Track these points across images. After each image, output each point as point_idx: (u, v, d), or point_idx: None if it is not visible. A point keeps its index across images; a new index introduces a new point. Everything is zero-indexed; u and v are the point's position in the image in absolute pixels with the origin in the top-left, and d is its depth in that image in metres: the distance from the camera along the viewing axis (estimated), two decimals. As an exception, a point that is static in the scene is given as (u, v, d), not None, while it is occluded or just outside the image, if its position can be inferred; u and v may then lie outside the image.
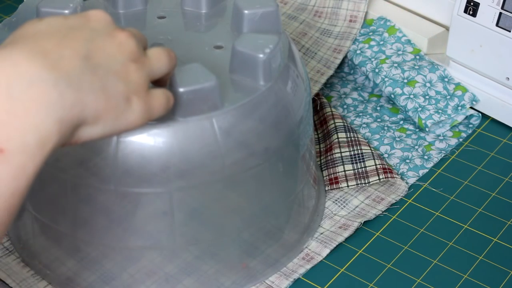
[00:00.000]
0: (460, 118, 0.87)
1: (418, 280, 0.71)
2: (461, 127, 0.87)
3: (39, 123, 0.47)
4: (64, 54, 0.50)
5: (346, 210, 0.77)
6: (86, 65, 0.50)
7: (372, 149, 0.81)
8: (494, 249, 0.74)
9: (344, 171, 0.79)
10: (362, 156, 0.80)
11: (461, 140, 0.86)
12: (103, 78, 0.51)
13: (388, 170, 0.79)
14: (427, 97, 0.87)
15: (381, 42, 0.92)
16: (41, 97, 0.47)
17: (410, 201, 0.79)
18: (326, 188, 0.79)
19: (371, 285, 0.71)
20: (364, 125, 0.87)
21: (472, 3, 0.85)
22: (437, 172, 0.82)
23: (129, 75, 0.53)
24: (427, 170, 0.82)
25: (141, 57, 0.55)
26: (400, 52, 0.91)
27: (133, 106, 0.53)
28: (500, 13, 0.83)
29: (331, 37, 0.94)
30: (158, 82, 0.59)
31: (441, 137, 0.86)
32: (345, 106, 0.90)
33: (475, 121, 0.87)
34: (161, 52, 0.57)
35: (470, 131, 0.87)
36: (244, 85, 0.66)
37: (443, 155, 0.84)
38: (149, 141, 0.62)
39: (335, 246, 0.73)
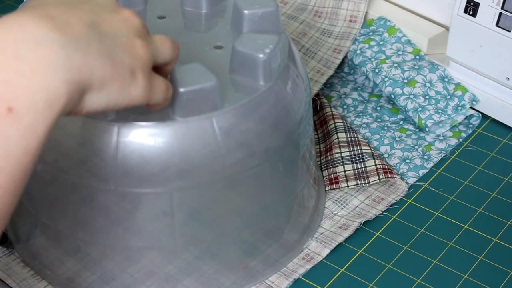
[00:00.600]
0: (460, 118, 0.87)
1: (418, 280, 0.71)
2: (461, 127, 0.87)
3: (47, 82, 0.48)
4: (71, 20, 0.50)
5: (346, 210, 0.77)
6: (93, 32, 0.51)
7: (372, 149, 0.81)
8: (494, 249, 0.74)
9: (344, 171, 0.79)
10: (362, 156, 0.80)
11: (461, 140, 0.86)
12: (109, 47, 0.52)
13: (388, 170, 0.79)
14: (427, 97, 0.87)
15: (381, 42, 0.92)
16: (49, 57, 0.48)
17: (410, 201, 0.79)
18: (326, 188, 0.79)
19: (371, 285, 0.71)
20: (364, 125, 0.87)
21: (472, 3, 0.85)
22: (437, 172, 0.82)
23: (135, 49, 0.54)
24: (427, 170, 0.82)
25: (147, 36, 0.56)
26: (400, 52, 0.91)
27: (138, 81, 0.54)
28: (500, 13, 0.83)
29: (331, 37, 0.94)
30: (159, 73, 0.60)
31: (441, 137, 0.86)
32: (345, 106, 0.90)
33: (475, 121, 0.87)
34: (165, 38, 0.58)
35: (470, 131, 0.87)
36: (244, 85, 0.66)
37: (443, 155, 0.84)
38: (149, 141, 0.62)
39: (335, 246, 0.73)
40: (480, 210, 0.78)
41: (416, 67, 0.89)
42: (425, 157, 0.83)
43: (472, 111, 0.87)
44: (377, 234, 0.75)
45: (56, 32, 0.49)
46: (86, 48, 0.50)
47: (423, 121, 0.85)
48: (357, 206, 0.77)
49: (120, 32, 0.53)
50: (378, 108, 0.89)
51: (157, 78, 0.57)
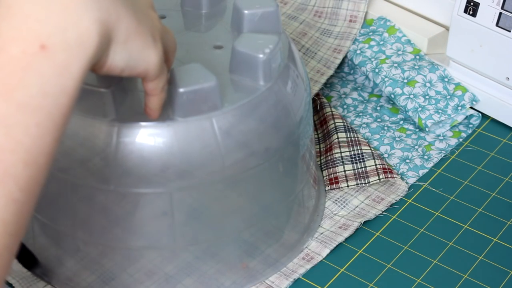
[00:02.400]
0: (460, 118, 0.87)
1: (418, 280, 0.71)
2: (461, 127, 0.87)
3: (77, 20, 0.48)
4: None
5: (346, 210, 0.77)
6: None
7: (372, 149, 0.81)
8: (494, 249, 0.74)
9: (344, 171, 0.79)
10: (362, 156, 0.80)
11: (461, 140, 0.86)
12: (133, 6, 0.53)
13: (388, 170, 0.79)
14: (427, 97, 0.87)
15: (381, 42, 0.92)
16: None
17: (410, 201, 0.79)
18: (326, 188, 0.79)
19: (371, 285, 0.71)
20: (364, 125, 0.87)
21: (472, 3, 0.85)
22: (437, 172, 0.82)
23: (153, 19, 0.55)
24: (427, 170, 0.82)
25: (157, 15, 0.57)
26: (400, 52, 0.91)
27: (158, 46, 0.55)
28: (500, 13, 0.83)
29: (331, 37, 0.94)
30: None
31: (441, 137, 0.86)
32: (345, 106, 0.90)
33: (475, 121, 0.87)
34: (169, 29, 0.60)
35: (470, 131, 0.87)
36: (244, 85, 0.66)
37: (443, 155, 0.84)
38: (149, 141, 0.62)
39: (335, 246, 0.73)
40: (480, 210, 0.78)
41: (416, 67, 0.89)
42: (425, 157, 0.83)
43: (472, 111, 0.87)
44: (377, 234, 0.75)
45: None
46: None
47: (423, 121, 0.85)
48: (357, 206, 0.77)
49: (139, 1, 0.54)
50: (378, 108, 0.89)
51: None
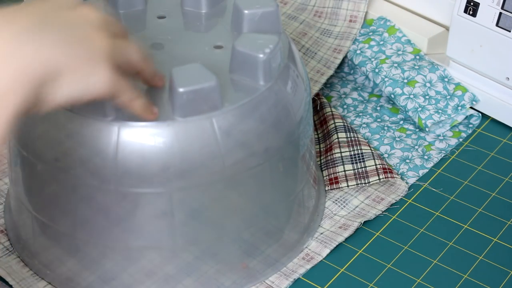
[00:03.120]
0: (460, 118, 0.87)
1: (418, 280, 0.71)
2: (461, 127, 0.87)
3: None
4: (22, 13, 0.50)
5: (346, 210, 0.77)
6: (44, 24, 0.50)
7: (372, 149, 0.81)
8: (494, 249, 0.74)
9: (344, 171, 0.79)
10: (362, 156, 0.80)
11: (461, 140, 0.86)
12: (62, 38, 0.51)
13: (388, 170, 0.79)
14: (427, 97, 0.87)
15: (381, 42, 0.92)
16: None
17: (410, 201, 0.79)
18: (326, 188, 0.79)
19: (371, 285, 0.71)
20: (364, 125, 0.87)
21: (472, 3, 0.85)
22: (437, 172, 0.82)
23: (93, 41, 0.53)
24: (427, 170, 0.82)
25: (108, 31, 0.55)
26: (400, 52, 0.91)
27: (99, 71, 0.53)
28: (500, 13, 0.83)
29: (331, 37, 0.94)
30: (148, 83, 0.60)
31: (441, 137, 0.86)
32: (345, 106, 0.90)
33: (475, 121, 0.87)
34: (132, 42, 0.58)
35: (470, 131, 0.87)
36: (244, 85, 0.66)
37: (443, 155, 0.84)
38: (149, 141, 0.62)
39: (335, 246, 0.73)
40: (480, 210, 0.78)
41: (416, 67, 0.89)
42: (425, 157, 0.83)
43: (472, 111, 0.87)
44: (377, 234, 0.75)
45: (4, 24, 0.48)
46: (37, 38, 0.49)
47: (423, 121, 0.85)
48: (357, 206, 0.77)
49: (75, 25, 0.53)
50: (378, 108, 0.89)
51: (125, 78, 0.57)
